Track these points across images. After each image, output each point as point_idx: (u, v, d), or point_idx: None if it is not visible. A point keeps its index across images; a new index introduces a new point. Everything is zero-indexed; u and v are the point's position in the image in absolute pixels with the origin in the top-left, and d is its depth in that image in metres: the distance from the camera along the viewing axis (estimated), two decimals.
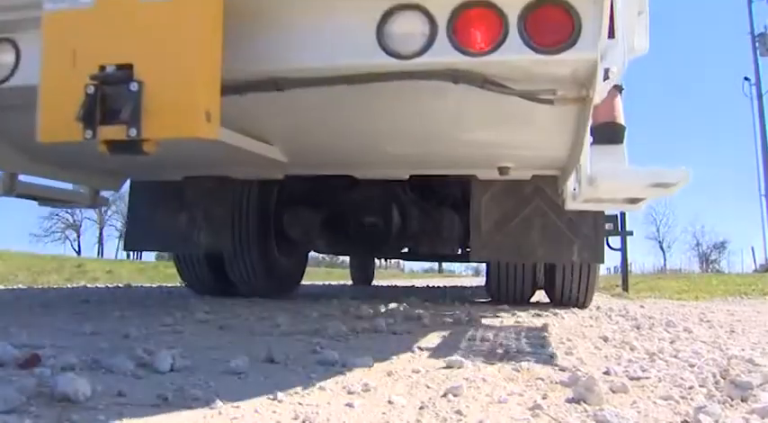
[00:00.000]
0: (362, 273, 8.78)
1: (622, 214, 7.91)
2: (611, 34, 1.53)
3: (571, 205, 2.40)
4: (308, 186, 3.73)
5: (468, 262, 6.83)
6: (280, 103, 1.74)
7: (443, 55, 1.53)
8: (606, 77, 1.59)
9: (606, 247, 7.20)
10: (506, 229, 3.19)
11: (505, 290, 4.16)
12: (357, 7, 1.54)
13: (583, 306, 4.13)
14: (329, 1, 1.56)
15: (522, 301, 4.21)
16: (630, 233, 8.12)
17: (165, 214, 3.50)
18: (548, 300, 4.65)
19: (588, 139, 1.91)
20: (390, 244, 4.60)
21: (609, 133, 2.12)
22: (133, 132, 1.39)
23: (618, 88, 2.00)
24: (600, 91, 1.61)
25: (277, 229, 4.07)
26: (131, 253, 44.44)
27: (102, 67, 1.42)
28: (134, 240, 3.92)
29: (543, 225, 3.17)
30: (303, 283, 5.57)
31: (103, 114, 1.41)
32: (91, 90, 1.41)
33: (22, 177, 2.65)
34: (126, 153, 1.46)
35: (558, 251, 3.28)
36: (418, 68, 1.57)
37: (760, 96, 21.42)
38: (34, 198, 2.95)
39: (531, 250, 3.28)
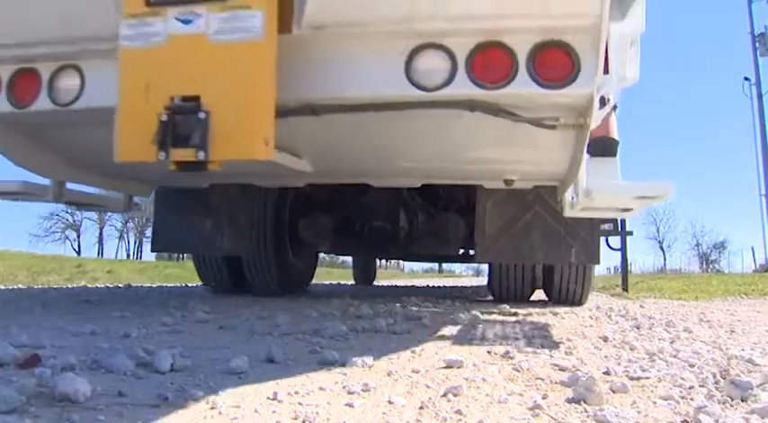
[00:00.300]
0: (365, 273, 9.13)
1: None
2: (606, 70, 1.81)
3: (569, 213, 2.65)
4: (321, 193, 3.97)
5: (471, 263, 7.46)
6: (313, 124, 1.97)
7: (462, 88, 1.76)
8: (601, 106, 1.86)
9: (606, 247, 7.32)
10: (509, 233, 3.40)
11: (507, 289, 4.41)
12: (388, 45, 1.77)
13: (579, 304, 4.33)
14: (364, 40, 1.78)
15: (522, 300, 4.43)
16: (630, 233, 8.12)
17: (191, 219, 3.73)
18: (546, 298, 4.84)
19: (585, 156, 2.14)
20: (397, 246, 4.85)
21: (603, 147, 2.41)
22: (201, 155, 1.61)
23: (612, 106, 2.16)
24: (596, 117, 1.86)
25: (291, 232, 4.33)
26: (131, 253, 44.51)
27: (173, 99, 1.65)
28: (161, 243, 4.15)
29: (543, 229, 3.39)
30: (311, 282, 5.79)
31: (175, 139, 1.62)
32: (164, 118, 1.62)
33: (68, 185, 2.93)
34: (193, 172, 1.69)
35: (556, 253, 3.49)
36: (440, 99, 1.80)
37: (760, 96, 21.41)
38: (78, 204, 3.31)
39: (531, 252, 3.49)
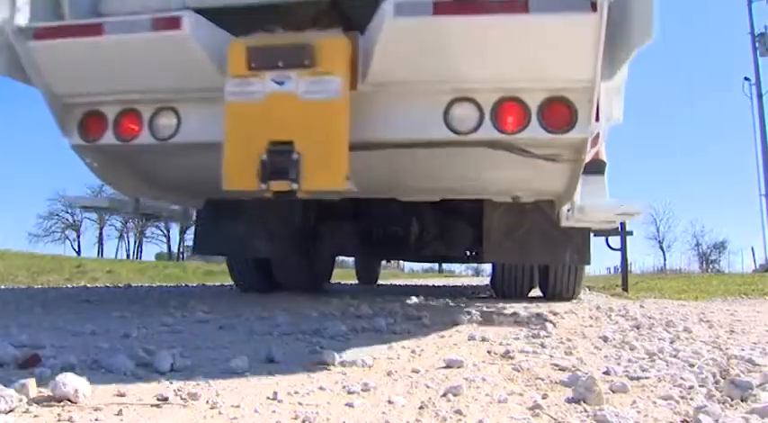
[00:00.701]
0: (368, 273, 9.73)
1: None
2: (597, 118, 2.31)
3: (565, 223, 3.21)
4: (344, 202, 4.24)
5: (476, 263, 8.49)
6: (367, 155, 2.36)
7: (487, 133, 2.22)
8: (593, 145, 2.39)
9: (606, 246, 7.40)
10: (512, 238, 3.95)
11: (508, 286, 5.03)
12: (431, 98, 2.24)
13: (571, 299, 4.94)
14: (411, 94, 2.26)
15: (521, 296, 4.97)
16: (630, 233, 8.11)
17: (229, 226, 4.22)
18: (542, 294, 5.28)
19: (580, 180, 2.61)
20: (409, 249, 5.38)
21: (594, 167, 3.01)
22: (294, 187, 2.08)
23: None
24: (589, 153, 2.41)
25: (315, 237, 4.82)
26: (131, 253, 44.52)
27: (271, 143, 2.09)
28: (203, 247, 4.67)
29: (541, 235, 3.89)
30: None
31: (272, 174, 2.08)
32: (264, 158, 2.08)
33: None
34: (286, 199, 2.21)
35: (552, 255, 4.09)
36: (470, 140, 2.26)
37: (760, 96, 21.41)
38: (149, 215, 3.93)
39: (531, 254, 4.08)
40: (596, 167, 3.17)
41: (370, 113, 2.30)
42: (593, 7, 1.93)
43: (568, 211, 3.04)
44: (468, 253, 5.99)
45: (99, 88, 2.56)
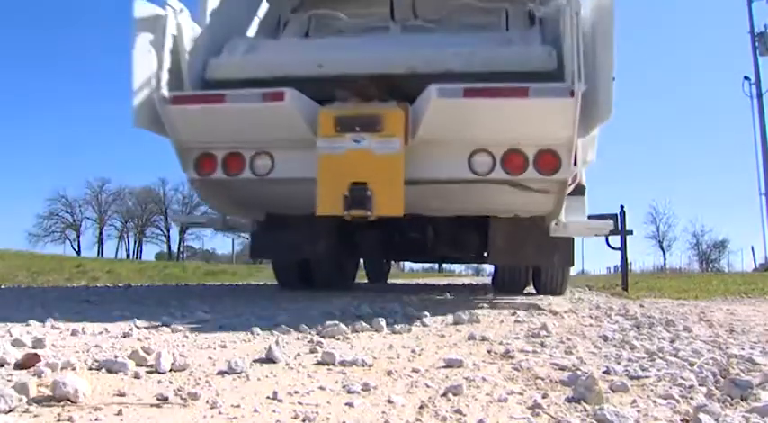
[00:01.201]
0: (378, 273, 10.34)
1: (622, 213, 7.93)
2: (575, 163, 3.32)
3: (553, 234, 4.11)
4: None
5: (479, 263, 9.87)
6: (410, 187, 3.35)
7: (498, 175, 3.30)
8: (573, 181, 3.43)
9: (606, 246, 7.48)
10: (511, 245, 4.70)
11: (508, 283, 6.07)
12: (459, 151, 3.33)
13: (559, 294, 5.84)
14: (447, 147, 3.28)
15: (518, 292, 5.88)
16: (630, 232, 8.10)
17: (280, 234, 4.94)
18: (537, 291, 6.11)
19: (565, 202, 3.71)
20: (425, 252, 6.49)
21: (577, 190, 4.02)
22: (368, 214, 3.14)
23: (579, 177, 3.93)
24: (570, 186, 3.46)
25: (347, 242, 5.51)
26: (131, 253, 44.49)
27: (351, 183, 3.09)
28: (258, 251, 5.74)
29: (534, 242, 4.57)
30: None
31: (352, 205, 3.10)
32: (347, 194, 3.08)
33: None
34: (361, 221, 3.28)
35: (543, 259, 4.93)
36: (486, 180, 3.34)
37: (760, 95, 21.39)
38: (231, 228, 5.09)
39: (526, 258, 4.93)
40: (578, 191, 4.22)
41: (417, 161, 3.36)
42: (571, 94, 3.00)
43: (555, 224, 4.06)
44: (474, 256, 7.02)
45: (213, 138, 3.60)
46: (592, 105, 3.17)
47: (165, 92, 3.56)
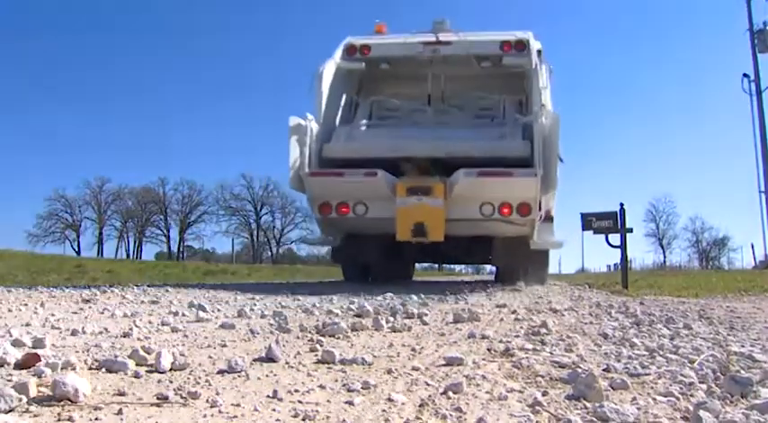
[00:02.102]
0: (406, 272, 12.07)
1: (622, 211, 7.94)
2: (540, 209, 6.88)
3: (532, 247, 7.37)
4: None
5: (488, 265, 13.14)
6: (448, 223, 6.84)
7: (496, 217, 6.70)
8: (542, 218, 7.23)
9: (606, 244, 7.59)
10: (507, 252, 7.69)
11: (506, 278, 8.58)
12: (474, 202, 6.71)
13: (542, 284, 8.40)
14: (466, 202, 6.67)
15: (512, 283, 7.72)
16: (630, 230, 8.11)
17: (353, 248, 7.87)
18: (524, 284, 8.11)
19: (538, 224, 7.17)
20: (448, 257, 10.78)
21: (548, 219, 7.97)
22: (425, 239, 6.74)
23: (546, 213, 7.53)
24: (540, 220, 7.26)
25: (399, 251, 8.28)
26: (131, 253, 44.48)
27: (415, 222, 6.58)
28: (338, 257, 8.71)
29: (522, 251, 7.53)
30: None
31: (416, 233, 6.64)
32: (413, 228, 6.59)
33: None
34: (421, 242, 7.04)
35: (528, 262, 7.97)
36: (489, 219, 6.78)
37: (759, 93, 21.37)
38: (323, 244, 8.79)
39: (516, 261, 7.99)
40: (549, 219, 7.92)
41: (452, 209, 6.54)
42: (536, 175, 6.29)
43: (532, 241, 7.26)
44: (481, 260, 11.25)
45: (332, 194, 6.73)
46: (546, 179, 6.52)
47: (306, 169, 6.85)
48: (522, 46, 7.80)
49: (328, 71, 7.58)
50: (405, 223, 6.68)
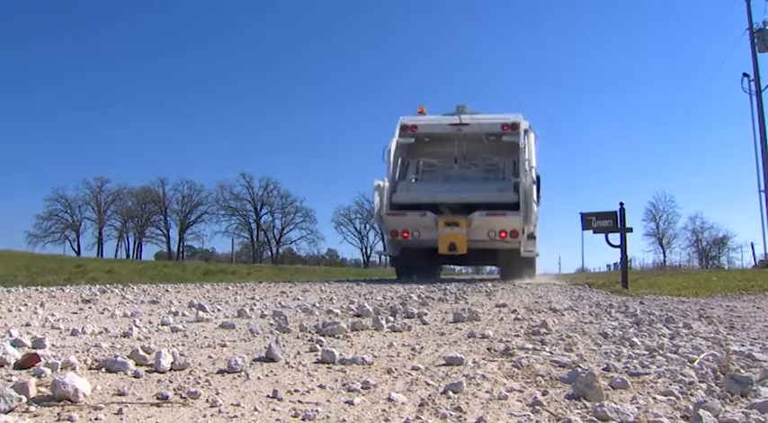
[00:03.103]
0: (434, 274, 15.70)
1: (622, 211, 7.94)
2: (524, 233, 12.35)
3: (522, 255, 12.75)
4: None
5: (495, 266, 17.22)
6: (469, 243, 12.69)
7: (498, 239, 12.20)
8: (528, 237, 12.91)
9: (606, 243, 7.55)
10: (508, 258, 12.95)
11: (508, 276, 13.47)
12: (484, 230, 12.11)
13: (531, 279, 13.29)
14: (479, 229, 12.02)
15: (512, 279, 12.50)
16: (630, 230, 8.13)
17: (406, 257, 13.03)
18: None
19: (524, 242, 12.65)
20: (467, 261, 15.98)
21: (532, 237, 13.54)
22: (456, 252, 12.11)
23: (530, 234, 13.44)
24: (526, 237, 12.69)
25: (434, 258, 13.17)
26: (131, 253, 44.50)
27: (450, 243, 12.00)
28: (397, 264, 14.06)
29: (517, 257, 12.65)
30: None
31: (451, 249, 12.01)
32: (449, 246, 11.96)
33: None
34: (453, 254, 12.51)
35: (520, 265, 13.18)
36: (494, 240, 12.29)
37: (759, 92, 21.37)
38: (388, 255, 15.37)
39: (513, 264, 13.14)
40: (532, 237, 13.32)
41: (471, 234, 11.84)
42: (520, 215, 11.76)
43: (522, 252, 12.49)
44: (486, 263, 18.22)
45: (399, 225, 12.26)
46: (527, 217, 11.76)
47: (384, 211, 12.09)
48: (515, 127, 12.74)
49: (393, 146, 12.85)
50: (444, 243, 11.95)
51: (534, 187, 12.15)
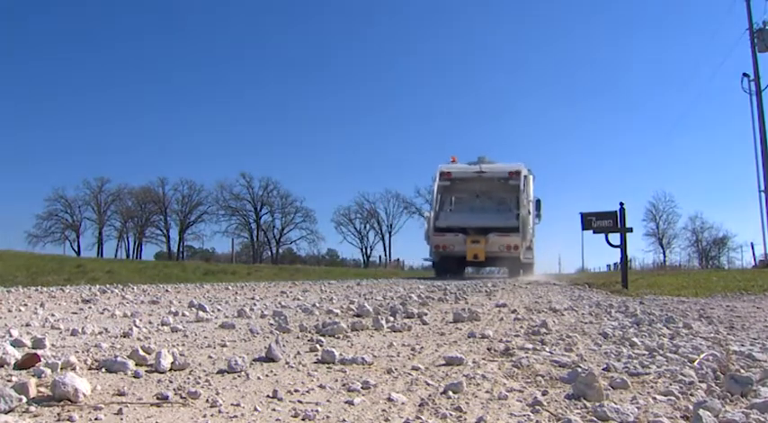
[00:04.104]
0: (459, 272, 20.32)
1: (622, 211, 7.94)
2: (522, 246, 18.53)
3: (522, 261, 18.83)
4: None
5: (504, 267, 22.23)
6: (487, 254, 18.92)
7: (504, 251, 18.23)
8: (527, 248, 19.36)
9: (606, 243, 7.54)
10: (512, 264, 18.86)
11: (513, 274, 19.43)
12: (497, 246, 18.15)
13: (531, 276, 19.60)
14: (494, 244, 18.03)
15: (516, 277, 18.36)
16: (630, 230, 8.13)
17: (445, 262, 19.23)
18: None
19: (523, 252, 18.79)
20: (483, 266, 23.38)
21: (528, 248, 20.27)
22: (478, 260, 18.48)
23: (528, 247, 19.79)
24: (525, 249, 19.13)
25: (460, 262, 19.46)
26: (131, 253, 44.49)
27: (474, 254, 18.22)
28: (437, 266, 19.60)
29: (518, 262, 18.56)
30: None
31: (475, 258, 18.32)
32: (473, 255, 18.06)
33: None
34: (475, 262, 19.49)
35: (521, 267, 19.07)
36: (502, 252, 18.33)
37: (759, 92, 21.37)
38: (433, 262, 20.97)
39: (516, 266, 19.02)
40: (530, 249, 19.79)
41: (488, 248, 17.80)
42: (519, 235, 17.79)
43: (522, 258, 18.31)
44: (496, 266, 22.52)
45: (440, 242, 18.36)
46: (524, 236, 17.89)
47: (432, 231, 18.51)
48: (517, 174, 18.50)
49: (435, 188, 19.04)
50: (470, 254, 17.54)
51: (532, 214, 19.35)
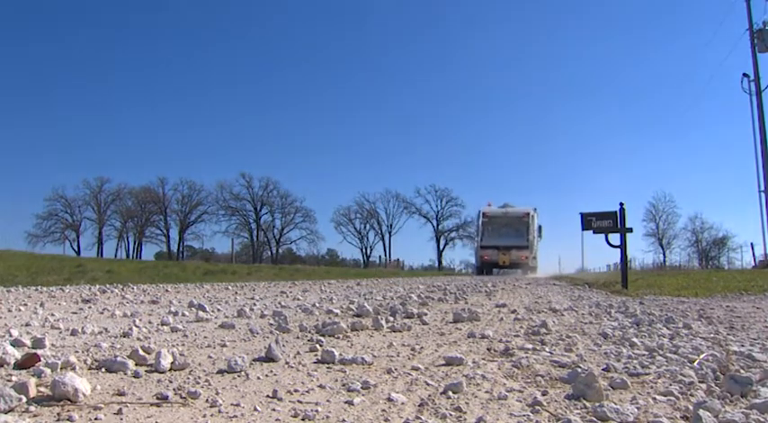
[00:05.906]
0: (489, 272, 32.85)
1: (622, 211, 7.94)
2: (529, 257, 33.83)
3: (530, 265, 33.64)
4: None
5: (517, 269, 36.77)
6: (502, 255, 33.85)
7: (519, 259, 33.20)
8: (533, 257, 34.66)
9: (606, 244, 7.63)
10: (522, 267, 33.34)
11: (522, 274, 33.04)
12: (516, 258, 33.74)
13: (534, 274, 33.11)
14: (512, 255, 32.81)
15: (525, 274, 31.35)
16: (630, 230, 8.12)
17: (483, 265, 33.53)
18: (535, 277, 23.19)
19: (530, 260, 33.95)
20: (506, 268, 35.27)
21: (533, 258, 35.76)
22: (506, 264, 33.18)
23: (533, 256, 34.50)
24: (531, 257, 34.58)
25: (492, 265, 33.94)
26: (131, 253, 44.49)
27: (503, 261, 33.30)
28: (479, 268, 34.19)
29: (527, 266, 33.12)
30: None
31: (504, 264, 32.87)
32: (502, 262, 32.69)
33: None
34: (504, 266, 34.22)
35: (528, 269, 33.42)
36: (518, 260, 33.65)
37: (759, 92, 21.38)
38: (475, 267, 38.28)
39: (525, 269, 33.50)
40: (534, 258, 33.92)
41: (510, 258, 32.29)
42: (528, 251, 32.46)
43: (528, 263, 32.80)
44: (512, 268, 35.70)
45: (484, 254, 32.72)
46: (531, 251, 32.27)
47: (479, 249, 33.13)
48: (528, 215, 32.40)
49: (480, 224, 33.16)
50: (501, 261, 31.28)
51: (536, 237, 31.02)
